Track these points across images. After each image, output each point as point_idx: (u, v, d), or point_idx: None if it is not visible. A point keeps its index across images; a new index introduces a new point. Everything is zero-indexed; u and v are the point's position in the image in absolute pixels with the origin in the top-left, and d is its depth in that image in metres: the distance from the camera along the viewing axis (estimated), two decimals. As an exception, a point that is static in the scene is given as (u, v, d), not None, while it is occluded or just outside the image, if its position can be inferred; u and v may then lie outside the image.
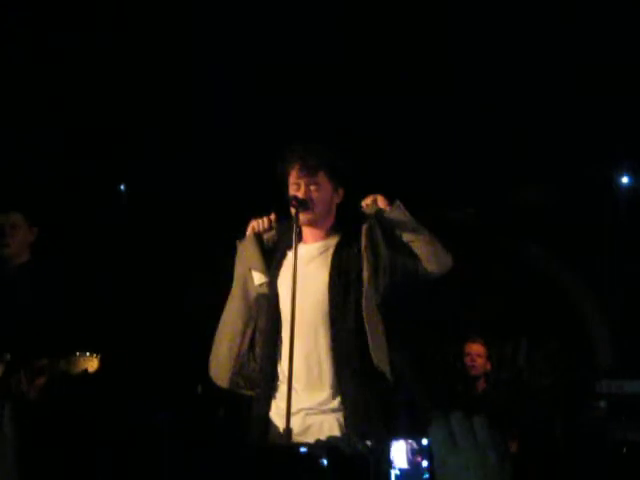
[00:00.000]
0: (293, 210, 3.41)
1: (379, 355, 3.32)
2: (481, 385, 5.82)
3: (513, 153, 6.33)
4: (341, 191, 3.53)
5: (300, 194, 3.43)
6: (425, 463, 2.67)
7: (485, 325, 6.21)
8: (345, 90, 5.86)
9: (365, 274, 3.37)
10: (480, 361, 5.77)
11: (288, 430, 3.17)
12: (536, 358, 6.77)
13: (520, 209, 6.67)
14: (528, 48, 5.60)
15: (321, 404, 3.36)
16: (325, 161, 3.47)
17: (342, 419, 3.33)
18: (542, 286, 6.71)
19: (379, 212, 3.49)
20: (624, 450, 5.18)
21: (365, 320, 3.33)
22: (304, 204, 3.41)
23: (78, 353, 4.23)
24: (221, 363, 3.55)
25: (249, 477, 2.70)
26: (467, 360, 5.77)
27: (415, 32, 5.55)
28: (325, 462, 2.79)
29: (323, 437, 3.12)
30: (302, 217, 3.42)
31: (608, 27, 5.36)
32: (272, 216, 3.58)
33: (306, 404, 3.34)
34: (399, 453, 2.72)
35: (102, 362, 4.19)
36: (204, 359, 6.06)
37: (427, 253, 3.41)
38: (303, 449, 2.91)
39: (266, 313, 3.50)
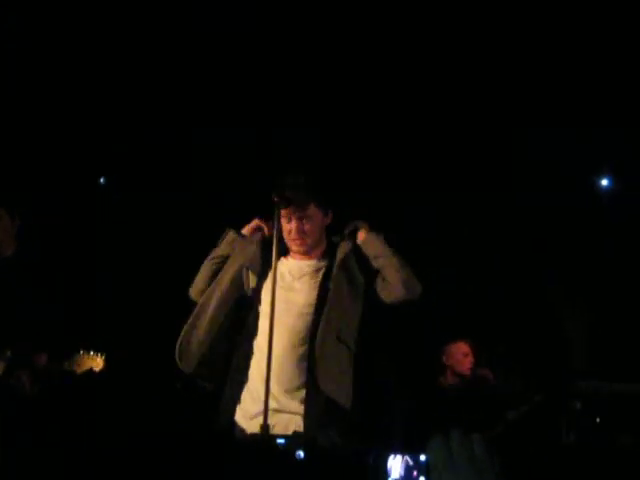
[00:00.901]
0: (276, 204, 3.46)
1: (327, 383, 3.40)
2: (462, 386, 5.85)
3: (494, 156, 6.36)
4: (330, 214, 3.66)
5: (293, 228, 3.55)
6: (422, 479, 2.69)
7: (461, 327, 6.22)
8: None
9: (326, 306, 3.50)
10: (469, 359, 5.80)
11: (266, 426, 3.21)
12: (511, 362, 6.79)
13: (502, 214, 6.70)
14: (509, 50, 5.65)
15: (286, 405, 3.44)
16: (313, 194, 3.57)
17: (308, 421, 3.40)
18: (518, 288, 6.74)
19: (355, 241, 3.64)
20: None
21: (316, 347, 3.43)
22: (285, 200, 3.46)
23: (82, 352, 4.23)
24: (192, 347, 3.59)
25: (228, 468, 2.70)
26: (467, 362, 5.73)
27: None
28: (301, 454, 2.81)
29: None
30: (296, 248, 3.61)
31: (587, 33, 5.41)
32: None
33: (272, 404, 3.36)
34: (396, 467, 2.74)
35: (107, 361, 4.20)
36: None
37: (396, 280, 3.51)
38: (280, 440, 2.95)
39: (248, 314, 3.59)
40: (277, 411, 3.41)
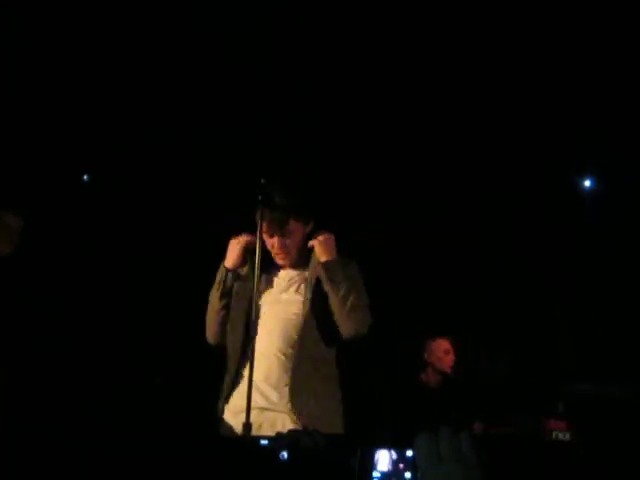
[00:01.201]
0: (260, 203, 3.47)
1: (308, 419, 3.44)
2: (446, 379, 5.87)
3: (477, 157, 6.37)
4: (312, 222, 3.70)
5: (275, 246, 3.63)
6: (408, 474, 2.71)
7: (448, 321, 6.24)
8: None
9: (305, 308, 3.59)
10: (450, 357, 5.82)
11: (248, 424, 3.23)
12: (498, 357, 6.82)
13: (487, 214, 6.72)
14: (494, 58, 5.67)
15: (275, 404, 3.52)
16: (292, 211, 3.61)
17: (296, 418, 3.48)
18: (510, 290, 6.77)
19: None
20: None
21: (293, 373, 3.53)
22: (267, 197, 3.48)
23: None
24: (210, 318, 3.75)
25: (209, 469, 2.69)
26: (448, 359, 5.78)
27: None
28: (285, 455, 2.81)
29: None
30: (281, 262, 3.69)
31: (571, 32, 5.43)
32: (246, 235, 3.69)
33: (262, 403, 3.50)
34: (383, 461, 2.75)
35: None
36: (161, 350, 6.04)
37: (338, 314, 3.53)
38: (264, 441, 2.94)
39: (241, 313, 3.65)
40: (265, 409, 3.46)
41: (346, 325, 3.53)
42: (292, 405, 3.47)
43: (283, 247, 3.64)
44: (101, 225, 6.35)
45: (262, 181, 3.50)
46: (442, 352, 5.83)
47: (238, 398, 3.54)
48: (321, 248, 3.59)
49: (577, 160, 6.47)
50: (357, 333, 3.55)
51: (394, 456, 2.63)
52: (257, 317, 3.52)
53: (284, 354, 3.56)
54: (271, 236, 3.63)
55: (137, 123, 6.05)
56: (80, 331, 5.71)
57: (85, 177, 6.42)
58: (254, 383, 3.42)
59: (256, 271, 3.44)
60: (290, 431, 3.05)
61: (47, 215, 5.63)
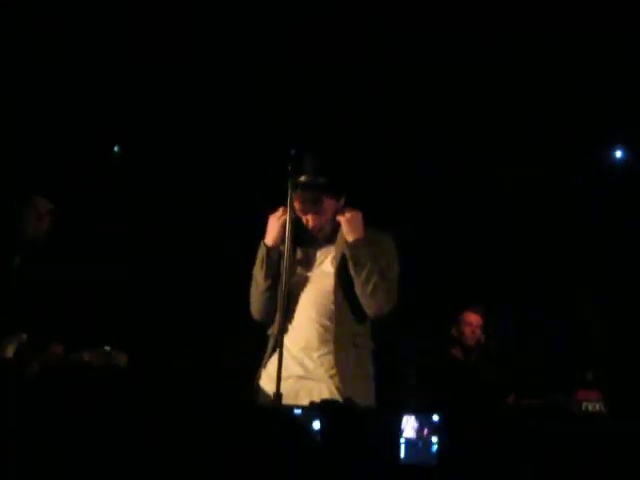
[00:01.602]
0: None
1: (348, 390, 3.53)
2: (474, 355, 5.89)
3: (506, 127, 6.34)
4: (343, 197, 3.68)
5: (309, 222, 3.64)
6: (434, 438, 2.74)
7: (476, 296, 6.23)
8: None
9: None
10: (479, 332, 5.85)
11: (278, 394, 3.29)
12: (527, 337, 6.81)
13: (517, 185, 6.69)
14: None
15: (312, 372, 3.58)
16: (325, 189, 3.61)
17: (333, 387, 3.54)
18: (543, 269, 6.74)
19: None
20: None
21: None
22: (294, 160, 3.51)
23: (108, 348, 4.27)
24: (255, 296, 3.74)
25: (243, 437, 2.72)
26: (467, 330, 5.82)
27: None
28: (319, 424, 2.84)
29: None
30: (316, 235, 3.68)
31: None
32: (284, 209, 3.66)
33: (299, 371, 3.57)
34: (409, 427, 2.79)
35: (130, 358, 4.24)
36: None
37: (360, 294, 3.56)
38: (297, 411, 2.99)
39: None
40: (302, 378, 3.52)
41: (368, 306, 3.57)
42: (336, 374, 3.53)
43: (317, 223, 3.65)
44: (133, 204, 6.36)
45: (292, 152, 3.52)
46: (466, 324, 5.85)
47: (275, 366, 3.52)
48: (347, 227, 3.59)
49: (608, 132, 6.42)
50: (380, 313, 3.59)
51: (421, 422, 2.68)
52: (292, 288, 3.58)
53: (322, 325, 3.60)
54: (305, 213, 3.64)
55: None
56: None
57: (116, 149, 6.42)
58: (291, 352, 3.57)
59: (287, 243, 3.49)
60: (323, 401, 3.10)
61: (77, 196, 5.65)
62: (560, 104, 6.08)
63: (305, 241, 3.69)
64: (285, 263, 3.48)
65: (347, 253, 3.57)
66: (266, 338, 3.72)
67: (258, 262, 3.69)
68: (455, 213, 6.58)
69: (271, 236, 3.65)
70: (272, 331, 3.67)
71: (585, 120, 6.16)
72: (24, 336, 4.16)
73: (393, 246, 3.69)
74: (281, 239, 3.62)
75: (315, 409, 2.89)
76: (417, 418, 2.65)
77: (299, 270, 3.66)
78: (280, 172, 3.52)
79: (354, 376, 3.55)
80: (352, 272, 3.55)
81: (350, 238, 3.57)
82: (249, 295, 3.75)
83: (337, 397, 3.48)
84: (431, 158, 6.41)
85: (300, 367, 3.58)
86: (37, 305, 4.32)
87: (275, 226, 3.64)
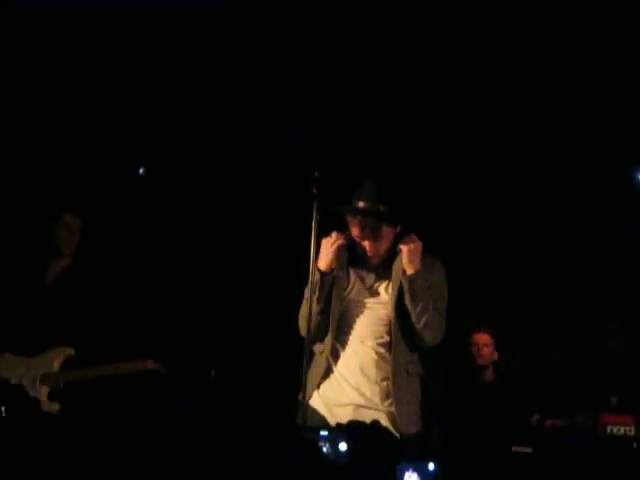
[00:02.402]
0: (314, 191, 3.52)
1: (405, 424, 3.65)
2: (489, 375, 5.86)
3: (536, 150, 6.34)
4: (399, 226, 3.74)
5: (367, 249, 3.67)
6: None
7: (494, 317, 6.20)
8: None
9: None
10: (487, 350, 5.82)
11: (303, 414, 3.31)
12: (548, 353, 6.77)
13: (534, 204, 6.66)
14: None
15: (370, 400, 3.64)
16: (385, 216, 3.65)
17: (391, 417, 3.63)
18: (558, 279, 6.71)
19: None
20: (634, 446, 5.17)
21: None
22: (318, 182, 3.56)
23: (136, 359, 4.31)
24: (304, 318, 3.74)
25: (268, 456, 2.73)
26: (473, 350, 5.81)
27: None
28: (345, 446, 2.84)
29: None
30: (373, 260, 3.70)
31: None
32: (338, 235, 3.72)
33: (357, 400, 3.62)
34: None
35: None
36: (217, 342, 6.10)
37: (414, 326, 3.63)
38: (323, 432, 2.99)
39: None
40: (360, 407, 3.60)
41: (422, 337, 3.65)
42: (394, 406, 3.59)
43: (375, 250, 3.67)
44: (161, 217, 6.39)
45: (316, 174, 3.53)
46: (472, 345, 5.82)
47: (330, 391, 3.65)
48: (408, 258, 3.60)
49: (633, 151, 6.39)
50: (433, 344, 3.68)
51: (420, 474, 2.66)
52: (345, 312, 3.68)
53: (377, 353, 3.65)
54: (363, 239, 3.63)
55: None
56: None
57: (141, 170, 6.45)
58: (345, 377, 3.65)
59: (311, 266, 3.50)
60: (350, 422, 3.12)
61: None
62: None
63: (359, 265, 3.72)
64: (310, 279, 3.56)
65: (404, 284, 3.58)
66: (310, 353, 3.70)
67: (311, 286, 3.66)
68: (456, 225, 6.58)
69: (324, 261, 3.66)
70: (322, 350, 3.70)
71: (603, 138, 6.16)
72: (71, 350, 4.20)
73: (444, 274, 3.76)
74: (333, 263, 3.65)
75: (341, 430, 2.89)
76: (414, 469, 2.65)
77: (353, 295, 3.69)
78: (297, 184, 3.54)
79: (407, 403, 3.62)
80: (408, 304, 3.58)
81: (410, 271, 3.58)
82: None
83: (393, 427, 3.56)
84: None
85: (358, 395, 3.60)
86: (84, 317, 4.36)
87: (329, 250, 3.64)
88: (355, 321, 3.65)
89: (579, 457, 4.53)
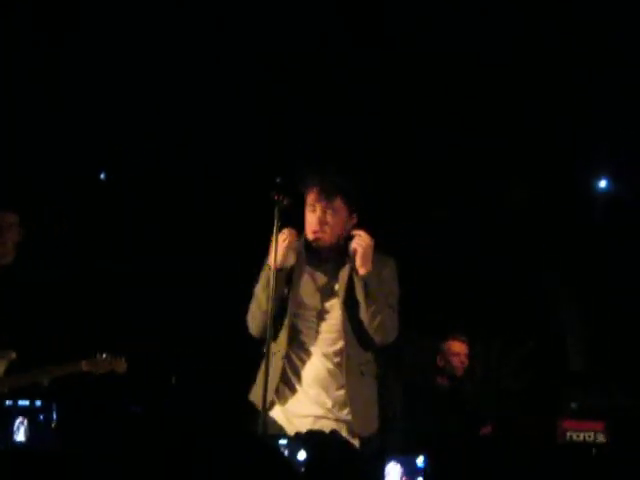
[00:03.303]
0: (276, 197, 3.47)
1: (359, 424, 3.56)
2: (465, 384, 5.85)
3: (494, 154, 6.37)
4: (355, 217, 3.61)
5: (315, 217, 3.53)
6: None
7: (463, 323, 6.22)
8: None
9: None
10: (466, 361, 5.79)
11: (264, 422, 3.28)
12: (509, 360, 6.81)
13: (496, 208, 6.70)
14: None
15: (330, 411, 3.55)
16: (343, 188, 3.56)
17: (350, 426, 3.54)
18: (520, 287, 6.75)
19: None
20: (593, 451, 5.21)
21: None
22: (283, 187, 3.48)
23: (105, 355, 4.25)
24: (255, 317, 3.65)
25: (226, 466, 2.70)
26: (455, 360, 5.75)
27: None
28: (304, 454, 2.82)
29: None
30: (312, 237, 3.57)
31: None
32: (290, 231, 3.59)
33: (316, 411, 3.54)
34: (393, 474, 2.74)
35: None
36: (177, 349, 6.05)
37: (367, 325, 3.53)
38: (282, 441, 2.97)
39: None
40: (320, 417, 3.52)
41: (373, 338, 3.56)
42: (352, 414, 3.52)
43: (322, 224, 3.54)
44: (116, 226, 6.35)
45: (278, 180, 3.50)
46: (452, 354, 5.81)
47: (289, 401, 3.57)
48: (362, 258, 3.50)
49: (593, 161, 6.45)
50: (387, 342, 3.59)
51: (403, 468, 2.63)
52: (299, 316, 3.59)
53: (332, 362, 3.57)
54: (313, 210, 3.54)
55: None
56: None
57: (102, 175, 6.42)
58: (302, 387, 3.55)
59: (272, 273, 3.43)
60: (308, 432, 3.09)
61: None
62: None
63: (312, 265, 3.62)
64: (271, 288, 3.43)
65: (358, 286, 3.52)
66: (259, 356, 3.60)
67: (261, 284, 3.58)
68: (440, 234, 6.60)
69: (276, 257, 3.51)
70: (277, 351, 3.59)
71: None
72: (13, 354, 4.13)
73: (395, 270, 3.66)
74: (286, 261, 3.55)
75: (300, 440, 2.87)
76: (401, 464, 2.61)
77: (307, 298, 3.60)
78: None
79: (364, 405, 3.56)
80: (361, 304, 3.51)
81: (363, 271, 3.50)
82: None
83: (352, 435, 3.49)
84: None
85: (318, 406, 3.54)
86: (25, 318, 4.30)
87: (281, 248, 3.52)
88: (309, 327, 3.56)
89: (538, 463, 4.56)
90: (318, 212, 3.54)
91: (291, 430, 3.44)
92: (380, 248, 3.62)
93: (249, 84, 5.92)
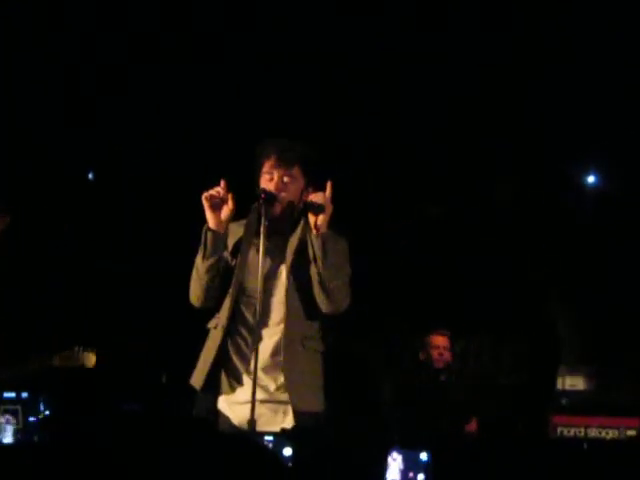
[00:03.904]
0: (260, 203, 3.41)
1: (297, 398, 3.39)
2: (442, 376, 5.86)
3: (482, 149, 6.37)
4: (310, 191, 3.49)
5: (272, 184, 3.42)
6: (421, 477, 2.64)
7: (451, 317, 6.23)
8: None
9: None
10: (446, 354, 5.80)
11: (253, 420, 3.22)
12: (502, 355, 6.82)
13: (487, 206, 6.71)
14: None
15: (274, 394, 3.40)
16: (302, 156, 3.49)
17: (290, 408, 3.38)
18: (511, 282, 6.75)
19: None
20: (584, 447, 5.22)
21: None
22: (272, 198, 3.41)
23: (76, 348, 4.23)
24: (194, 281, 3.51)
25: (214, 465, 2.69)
26: (435, 353, 5.77)
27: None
28: (290, 451, 2.82)
29: (276, 427, 3.24)
30: (276, 200, 3.40)
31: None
32: (222, 184, 3.41)
33: (260, 395, 3.34)
34: (394, 464, 2.71)
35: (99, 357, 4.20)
36: (168, 348, 6.05)
37: (319, 289, 3.38)
38: (268, 437, 2.96)
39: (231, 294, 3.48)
40: (264, 402, 3.36)
41: (325, 303, 3.39)
42: (289, 392, 3.37)
43: (280, 190, 3.42)
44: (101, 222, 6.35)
45: (262, 195, 3.43)
46: (432, 347, 5.82)
47: (232, 387, 3.40)
48: (323, 217, 3.35)
49: (582, 157, 6.47)
50: (338, 311, 3.43)
51: (407, 461, 2.59)
52: (245, 287, 3.43)
53: (274, 334, 3.43)
54: (270, 179, 3.42)
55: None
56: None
57: (90, 175, 6.41)
58: (247, 370, 3.37)
59: (260, 256, 3.30)
60: (295, 427, 3.06)
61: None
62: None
63: (260, 233, 3.39)
64: (260, 272, 3.29)
65: (315, 245, 3.35)
66: (205, 332, 3.51)
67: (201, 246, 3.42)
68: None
69: (210, 217, 3.40)
70: (215, 325, 3.48)
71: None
72: None
73: (347, 250, 3.52)
74: (218, 219, 3.39)
75: (286, 436, 2.87)
76: (403, 457, 2.57)
77: (252, 269, 3.41)
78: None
79: (301, 378, 3.40)
80: (317, 266, 3.35)
81: (323, 229, 3.34)
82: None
83: (290, 416, 3.36)
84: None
85: (260, 389, 3.35)
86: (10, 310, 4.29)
87: (205, 207, 3.41)
88: (252, 303, 3.37)
89: (529, 459, 4.56)
90: (275, 178, 3.44)
91: (233, 418, 3.35)
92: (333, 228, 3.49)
93: (249, 84, 5.91)
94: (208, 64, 5.86)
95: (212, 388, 3.43)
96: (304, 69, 5.88)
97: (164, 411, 5.51)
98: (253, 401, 3.21)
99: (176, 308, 6.12)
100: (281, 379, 3.40)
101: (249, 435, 3.08)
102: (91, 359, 4.26)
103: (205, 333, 3.53)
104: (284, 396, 3.39)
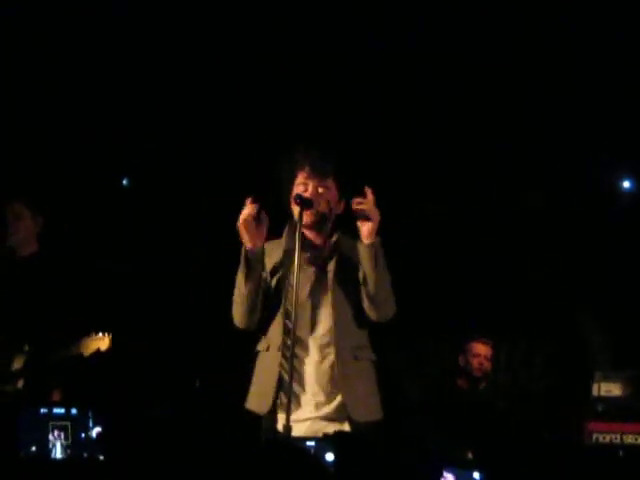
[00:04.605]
0: (297, 210, 3.39)
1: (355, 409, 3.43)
2: (482, 384, 5.81)
3: (514, 155, 6.33)
4: (343, 203, 3.51)
5: (307, 194, 3.42)
6: None
7: (486, 324, 6.18)
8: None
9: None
10: (486, 364, 5.75)
11: (288, 426, 3.22)
12: (535, 362, 6.77)
13: (521, 213, 6.67)
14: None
15: (329, 415, 3.44)
16: (337, 167, 3.48)
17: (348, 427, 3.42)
18: (543, 288, 6.70)
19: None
20: (620, 453, 5.17)
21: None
22: (308, 203, 3.40)
23: (90, 335, 4.24)
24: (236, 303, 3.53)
25: (254, 471, 2.69)
26: (475, 362, 5.72)
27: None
28: (332, 456, 2.80)
29: None
30: (305, 217, 3.40)
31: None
32: (249, 202, 3.39)
33: (315, 413, 3.43)
34: None
35: (113, 341, 4.20)
36: (202, 353, 6.06)
37: (371, 298, 3.38)
38: (310, 443, 2.95)
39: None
40: (324, 418, 3.42)
41: (376, 311, 3.41)
42: (346, 404, 3.41)
43: (315, 196, 3.42)
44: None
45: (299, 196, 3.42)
46: (473, 355, 5.77)
47: (291, 406, 3.36)
48: (372, 224, 3.34)
49: (616, 161, 6.41)
50: (385, 318, 3.45)
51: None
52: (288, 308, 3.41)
53: (325, 347, 3.46)
54: (305, 189, 3.42)
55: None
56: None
57: (125, 181, 6.44)
58: (301, 386, 3.44)
59: (296, 270, 3.30)
60: (337, 432, 3.06)
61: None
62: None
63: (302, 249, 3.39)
64: (295, 285, 3.30)
65: (366, 254, 3.33)
66: (253, 355, 3.54)
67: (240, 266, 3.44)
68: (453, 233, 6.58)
69: (246, 238, 3.39)
70: (267, 347, 3.50)
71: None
72: (26, 347, 4.14)
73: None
74: (255, 238, 3.39)
75: (328, 441, 2.85)
76: (455, 476, 2.52)
77: (298, 287, 3.36)
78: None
79: (358, 387, 3.43)
80: (369, 274, 3.33)
81: (372, 238, 3.33)
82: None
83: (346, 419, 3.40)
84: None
85: (315, 409, 3.44)
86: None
87: (241, 229, 3.40)
88: (303, 317, 3.38)
89: (565, 466, 4.52)
90: (310, 189, 3.43)
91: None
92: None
93: (249, 84, 5.90)
94: (208, 64, 5.84)
95: (272, 409, 3.46)
96: (304, 69, 5.84)
97: (196, 417, 5.54)
98: (288, 409, 3.25)
99: (186, 309, 6.14)
100: (337, 393, 3.42)
101: (291, 440, 3.08)
102: (105, 342, 4.24)
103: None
104: (342, 409, 3.42)
